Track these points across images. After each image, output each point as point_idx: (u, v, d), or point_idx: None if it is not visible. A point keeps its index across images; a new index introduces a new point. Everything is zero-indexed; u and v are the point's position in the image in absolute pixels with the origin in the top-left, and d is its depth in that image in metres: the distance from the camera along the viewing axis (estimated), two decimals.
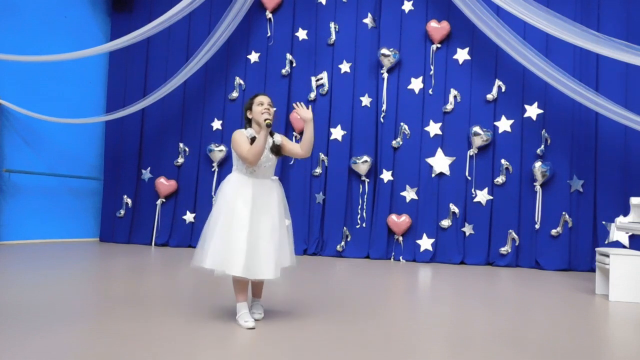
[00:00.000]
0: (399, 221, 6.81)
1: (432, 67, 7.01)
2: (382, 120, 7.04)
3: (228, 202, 3.02)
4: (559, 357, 2.60)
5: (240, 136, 3.09)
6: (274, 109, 3.18)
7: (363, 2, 7.29)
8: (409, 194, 6.94)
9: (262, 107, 3.11)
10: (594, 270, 5.33)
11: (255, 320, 3.04)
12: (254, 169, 3.08)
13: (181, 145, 7.64)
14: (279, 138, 3.18)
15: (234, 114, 7.52)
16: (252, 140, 3.07)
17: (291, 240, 3.21)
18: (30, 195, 7.11)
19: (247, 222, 2.94)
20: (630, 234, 5.98)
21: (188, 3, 6.69)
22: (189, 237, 7.43)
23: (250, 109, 3.17)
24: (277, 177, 3.28)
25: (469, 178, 6.81)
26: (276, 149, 3.16)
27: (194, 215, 7.45)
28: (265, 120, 3.02)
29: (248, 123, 3.20)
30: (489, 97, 6.83)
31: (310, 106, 3.16)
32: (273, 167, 3.20)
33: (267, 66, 7.48)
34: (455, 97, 6.93)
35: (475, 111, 6.88)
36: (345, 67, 7.24)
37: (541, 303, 4.29)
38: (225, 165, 7.48)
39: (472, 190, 6.81)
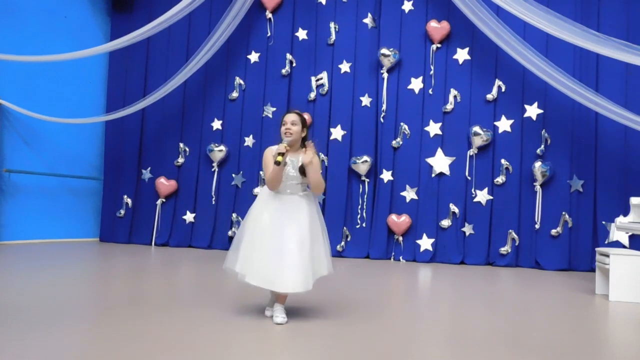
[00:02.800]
0: (399, 221, 6.81)
1: (432, 67, 7.01)
2: (382, 120, 7.04)
3: (255, 214, 3.13)
4: (559, 357, 2.60)
5: (267, 156, 3.16)
6: (297, 127, 3.14)
7: (363, 2, 7.29)
8: (409, 194, 6.94)
9: (284, 128, 3.15)
10: (594, 270, 5.32)
11: (277, 324, 3.01)
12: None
13: (181, 145, 7.64)
14: (308, 158, 3.08)
15: (234, 114, 7.53)
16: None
17: (327, 248, 3.21)
18: (30, 195, 7.11)
19: (269, 233, 3.01)
20: (630, 234, 5.98)
21: (188, 3, 6.69)
22: (189, 237, 7.43)
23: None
24: (307, 192, 3.21)
25: (469, 178, 6.81)
26: (303, 169, 3.13)
27: (194, 215, 7.45)
28: (275, 159, 3.01)
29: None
30: (489, 97, 6.83)
31: (315, 141, 3.05)
32: (302, 185, 3.18)
33: (267, 66, 7.47)
34: (455, 97, 6.93)
35: (475, 111, 6.88)
36: (345, 67, 7.24)
37: (541, 303, 4.30)
38: (225, 165, 7.48)
39: (472, 190, 6.81)
